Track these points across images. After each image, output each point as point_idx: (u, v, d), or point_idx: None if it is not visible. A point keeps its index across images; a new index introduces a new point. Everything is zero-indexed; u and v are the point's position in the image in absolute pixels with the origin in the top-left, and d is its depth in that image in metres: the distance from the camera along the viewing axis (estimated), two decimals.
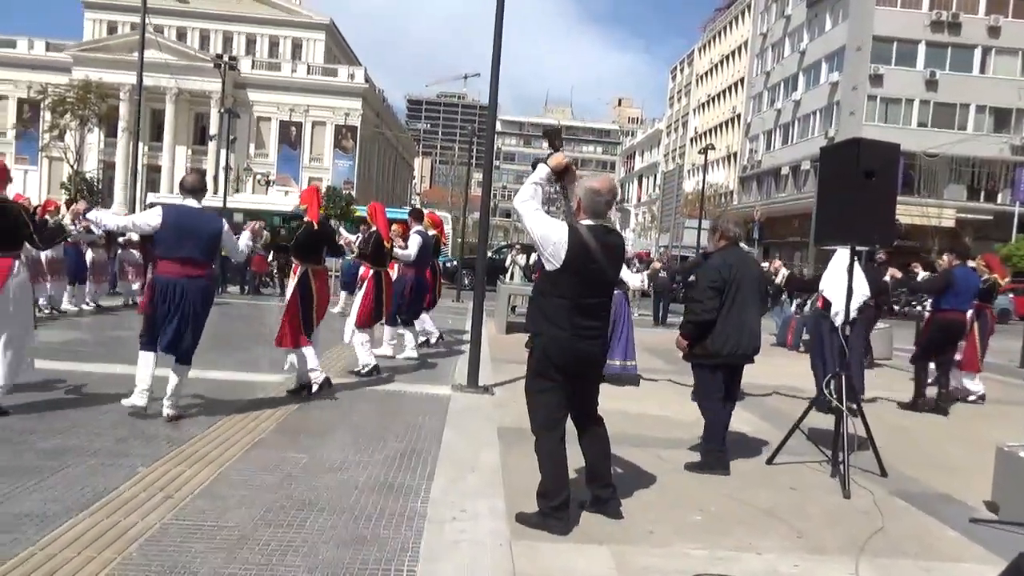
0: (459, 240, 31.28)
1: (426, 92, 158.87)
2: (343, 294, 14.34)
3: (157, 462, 4.42)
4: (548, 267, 3.83)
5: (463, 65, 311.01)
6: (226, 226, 5.69)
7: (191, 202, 5.52)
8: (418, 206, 13.82)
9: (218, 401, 6.08)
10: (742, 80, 55.82)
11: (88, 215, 5.82)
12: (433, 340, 10.29)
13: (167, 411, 5.38)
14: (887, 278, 9.03)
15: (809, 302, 12.89)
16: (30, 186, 48.54)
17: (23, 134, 51.59)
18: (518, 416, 6.42)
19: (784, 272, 6.79)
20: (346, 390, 7.02)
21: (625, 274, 7.54)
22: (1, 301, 5.13)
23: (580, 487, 4.09)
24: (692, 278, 6.94)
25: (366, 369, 7.71)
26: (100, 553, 3.16)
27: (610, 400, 7.11)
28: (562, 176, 3.94)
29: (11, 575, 2.92)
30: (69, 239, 11.14)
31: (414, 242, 8.56)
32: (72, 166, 46.60)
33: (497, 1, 7.34)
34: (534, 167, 3.96)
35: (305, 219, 6.61)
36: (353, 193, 52.47)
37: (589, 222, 3.86)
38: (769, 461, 5.32)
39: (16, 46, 54.96)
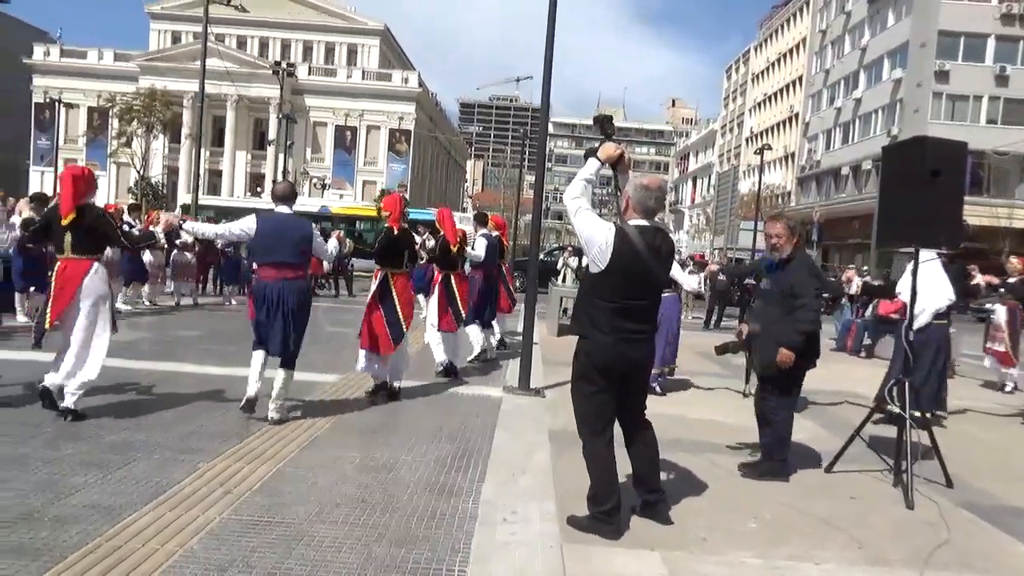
0: (511, 243, 31.41)
1: (478, 95, 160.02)
2: (420, 297, 14.10)
3: (217, 458, 4.55)
4: (593, 269, 3.78)
5: (515, 66, 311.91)
6: (315, 229, 5.91)
7: (283, 209, 5.79)
8: (481, 210, 13.81)
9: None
10: (800, 78, 54.59)
11: (184, 225, 6.14)
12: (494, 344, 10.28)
13: (272, 414, 5.55)
14: (978, 282, 8.68)
15: (870, 307, 12.54)
16: (99, 191, 50.50)
17: (93, 141, 53.76)
18: (569, 419, 6.38)
19: (858, 280, 6.56)
20: (400, 390, 7.09)
21: (680, 275, 7.44)
22: (76, 300, 5.31)
23: (630, 490, 4.04)
24: (753, 282, 6.77)
25: (441, 368, 7.89)
26: (163, 545, 3.27)
27: (664, 404, 7.06)
28: (615, 167, 3.89)
29: (78, 565, 3.03)
30: (157, 245, 11.90)
31: (480, 244, 8.74)
32: (138, 171, 48.33)
33: (549, 4, 7.35)
34: (587, 157, 3.90)
35: (386, 224, 6.88)
36: (407, 196, 53.07)
37: (640, 222, 3.79)
38: (828, 469, 5.17)
39: (87, 57, 57.34)
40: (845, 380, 9.02)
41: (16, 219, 9.84)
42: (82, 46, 58.14)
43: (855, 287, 6.30)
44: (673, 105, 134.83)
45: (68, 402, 5.24)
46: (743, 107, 68.01)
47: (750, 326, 5.18)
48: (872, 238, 5.88)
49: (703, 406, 7.42)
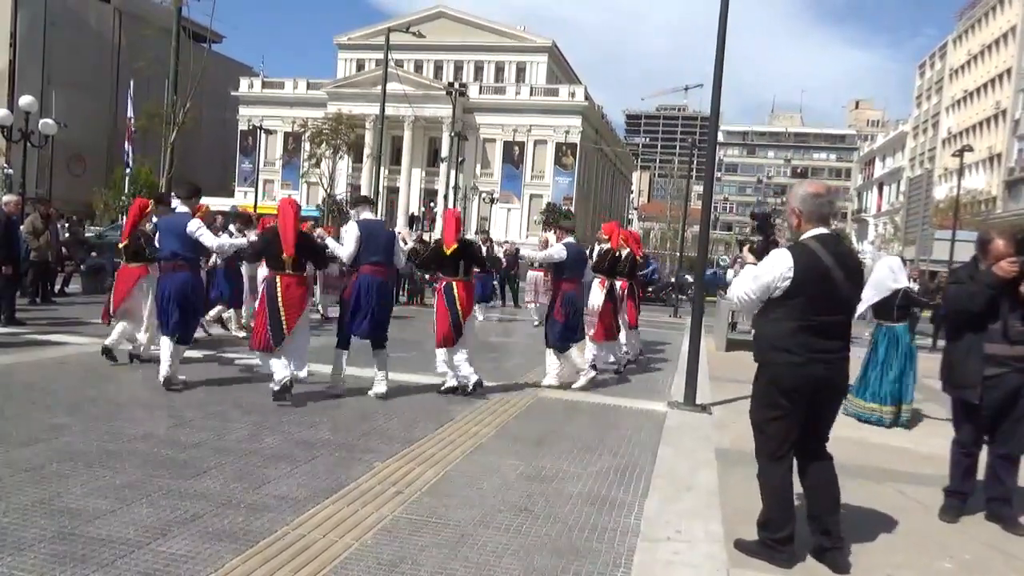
0: (678, 254, 30.72)
1: (645, 106, 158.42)
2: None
3: (391, 459, 4.79)
4: (775, 294, 3.48)
5: (685, 75, 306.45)
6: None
7: (571, 239, 7.98)
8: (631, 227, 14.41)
9: (446, 406, 6.49)
10: (1008, 71, 49.06)
11: (530, 254, 8.62)
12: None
13: (555, 382, 7.70)
14: None
15: None
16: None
17: (288, 163, 59.01)
18: (738, 437, 6.12)
19: None
20: (562, 401, 7.15)
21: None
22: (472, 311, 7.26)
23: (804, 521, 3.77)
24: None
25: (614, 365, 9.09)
26: (341, 537, 3.49)
27: (845, 428, 6.56)
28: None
29: (268, 551, 3.31)
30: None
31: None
32: (326, 190, 52.38)
33: (720, 7, 7.12)
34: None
35: (607, 246, 8.96)
36: (572, 209, 53.56)
37: (818, 231, 3.51)
38: None
39: (284, 87, 63.12)
40: None
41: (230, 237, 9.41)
42: (280, 77, 64.08)
43: None
44: (856, 107, 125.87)
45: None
46: (939, 106, 62.20)
47: None
48: None
49: (889, 430, 6.82)
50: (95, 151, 47.40)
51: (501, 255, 8.98)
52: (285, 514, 3.73)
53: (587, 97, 59.44)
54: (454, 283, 6.99)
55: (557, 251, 7.80)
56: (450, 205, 38.70)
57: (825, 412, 3.60)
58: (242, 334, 9.58)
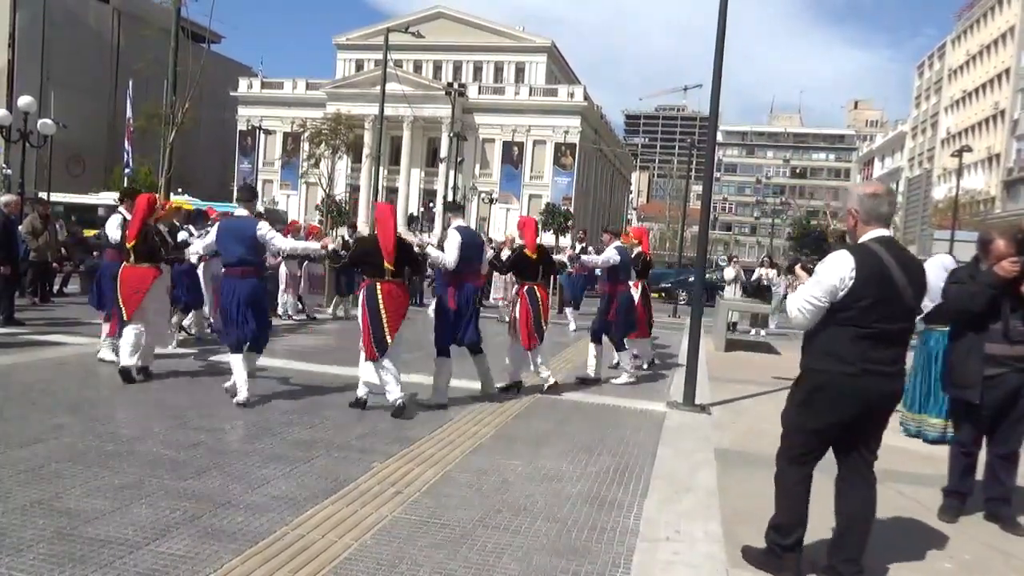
0: (677, 254, 30.74)
1: (644, 106, 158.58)
2: (568, 310, 14.54)
3: (390, 459, 4.79)
4: (835, 299, 3.24)
5: (685, 75, 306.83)
6: None
7: (618, 242, 8.38)
8: (636, 223, 14.24)
9: (443, 406, 6.47)
10: (1007, 71, 49.14)
11: (583, 258, 8.71)
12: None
13: (625, 379, 8.24)
14: None
15: None
16: (291, 209, 55.17)
17: (287, 163, 58.98)
18: (738, 438, 6.13)
19: None
20: (561, 401, 7.14)
21: None
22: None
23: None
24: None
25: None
26: (341, 538, 3.48)
27: None
28: None
29: (267, 551, 3.31)
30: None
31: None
32: (325, 190, 52.36)
33: (720, 7, 7.12)
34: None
35: (638, 249, 9.30)
36: (571, 209, 53.58)
37: (878, 233, 3.28)
38: None
39: (283, 87, 63.09)
40: None
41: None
42: (279, 77, 64.05)
43: None
44: (855, 107, 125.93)
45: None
46: (938, 106, 62.28)
47: None
48: None
49: (888, 431, 6.81)
50: (94, 151, 47.34)
51: (564, 257, 9.16)
52: (284, 514, 3.72)
53: (586, 97, 59.47)
54: (535, 286, 7.38)
55: (612, 256, 8.11)
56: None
57: (875, 425, 3.38)
58: (193, 333, 9.32)
